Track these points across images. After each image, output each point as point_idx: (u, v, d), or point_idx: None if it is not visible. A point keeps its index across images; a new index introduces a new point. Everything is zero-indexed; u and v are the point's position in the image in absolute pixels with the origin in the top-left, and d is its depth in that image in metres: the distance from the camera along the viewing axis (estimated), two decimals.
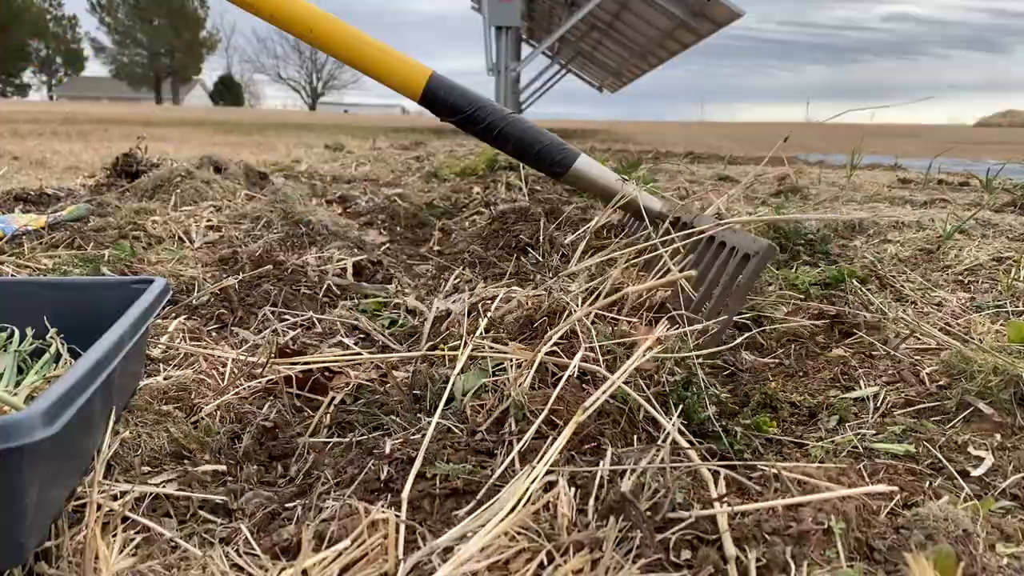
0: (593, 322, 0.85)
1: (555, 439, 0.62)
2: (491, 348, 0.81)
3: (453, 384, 0.76)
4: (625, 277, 1.09)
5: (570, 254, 1.06)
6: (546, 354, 0.76)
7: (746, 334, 1.08)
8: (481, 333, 0.86)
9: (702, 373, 0.81)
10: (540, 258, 1.39)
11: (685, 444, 0.62)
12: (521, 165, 2.30)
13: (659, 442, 0.62)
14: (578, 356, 0.74)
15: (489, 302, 0.93)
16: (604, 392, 0.64)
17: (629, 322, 0.88)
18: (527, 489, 0.51)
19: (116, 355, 0.60)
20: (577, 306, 0.88)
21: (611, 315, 0.98)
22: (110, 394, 0.65)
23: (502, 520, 0.49)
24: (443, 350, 0.85)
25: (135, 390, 0.78)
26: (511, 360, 0.79)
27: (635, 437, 0.69)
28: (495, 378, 0.74)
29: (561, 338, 0.80)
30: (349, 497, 0.66)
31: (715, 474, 0.59)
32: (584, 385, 0.74)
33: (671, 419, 0.72)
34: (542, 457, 0.61)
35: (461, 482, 0.61)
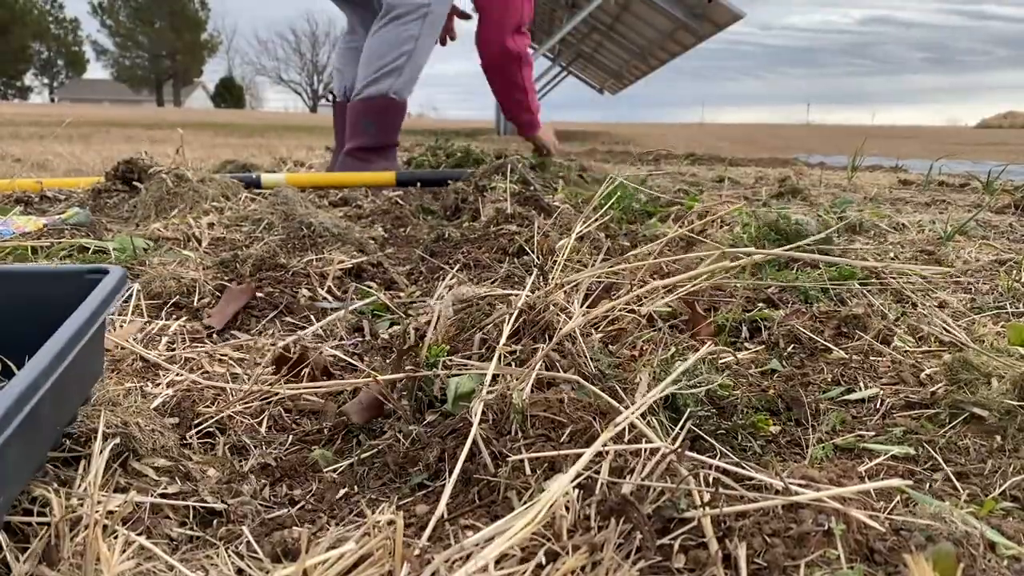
0: (588, 334, 0.85)
1: (569, 453, 0.63)
2: (486, 352, 0.81)
3: (454, 389, 0.76)
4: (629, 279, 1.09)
5: (559, 258, 1.06)
6: (545, 362, 0.76)
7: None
8: (479, 340, 0.87)
9: (710, 375, 0.81)
10: (535, 261, 1.39)
11: (685, 446, 0.62)
12: (512, 168, 2.32)
13: (663, 445, 0.62)
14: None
15: (482, 302, 0.93)
16: (624, 420, 0.64)
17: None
18: (546, 502, 0.51)
19: (45, 382, 0.53)
20: (572, 313, 0.88)
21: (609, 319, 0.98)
22: (40, 417, 0.56)
23: (519, 531, 0.49)
24: (435, 353, 0.85)
25: (88, 397, 0.72)
26: (511, 363, 0.79)
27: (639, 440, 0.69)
28: (491, 384, 0.74)
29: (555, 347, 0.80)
30: (354, 501, 0.66)
31: (715, 476, 0.59)
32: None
33: (676, 426, 0.72)
34: (551, 466, 0.61)
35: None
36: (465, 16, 3.33)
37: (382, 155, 2.93)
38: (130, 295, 1.13)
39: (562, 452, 0.62)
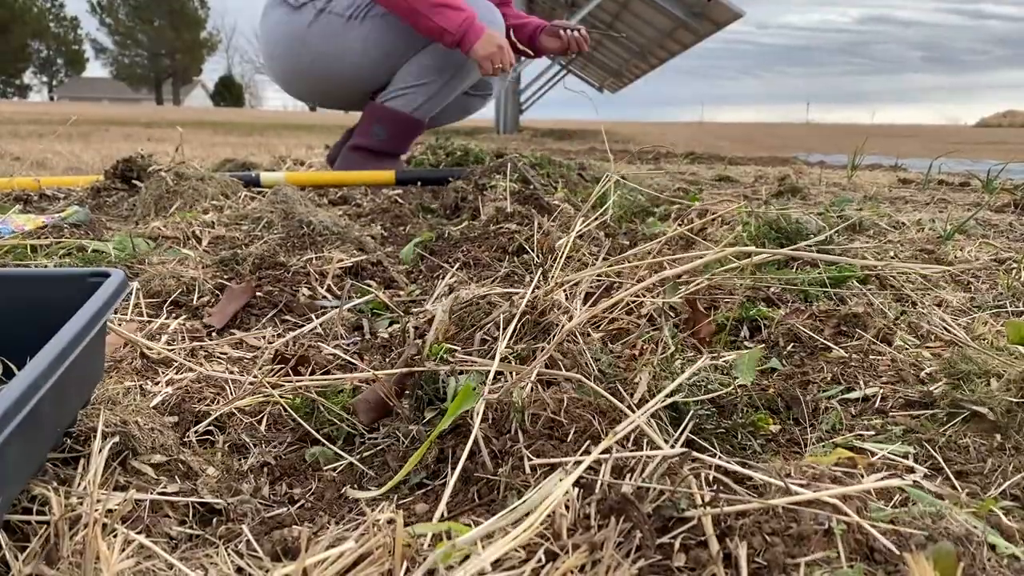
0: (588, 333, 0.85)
1: (568, 461, 0.63)
2: (485, 350, 0.81)
3: (453, 387, 0.76)
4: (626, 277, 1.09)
5: (559, 256, 1.06)
6: (544, 360, 0.76)
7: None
8: (479, 338, 0.87)
9: (708, 373, 0.81)
10: (535, 259, 1.39)
11: (687, 447, 0.62)
12: (512, 168, 2.32)
13: (665, 450, 0.62)
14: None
15: (481, 302, 0.93)
16: (625, 427, 0.64)
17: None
18: (543, 509, 0.51)
19: (45, 382, 0.53)
20: (573, 309, 0.88)
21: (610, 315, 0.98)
22: (40, 417, 0.56)
23: (520, 532, 0.49)
24: (435, 352, 0.85)
25: (87, 400, 0.72)
26: (511, 362, 0.79)
27: (639, 440, 0.69)
28: (493, 384, 0.74)
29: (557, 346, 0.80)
30: (354, 501, 0.66)
31: (715, 476, 0.59)
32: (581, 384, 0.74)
33: (679, 427, 0.72)
34: (552, 465, 0.61)
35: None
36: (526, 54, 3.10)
37: (384, 159, 2.87)
38: (129, 294, 1.13)
39: (564, 460, 0.62)
